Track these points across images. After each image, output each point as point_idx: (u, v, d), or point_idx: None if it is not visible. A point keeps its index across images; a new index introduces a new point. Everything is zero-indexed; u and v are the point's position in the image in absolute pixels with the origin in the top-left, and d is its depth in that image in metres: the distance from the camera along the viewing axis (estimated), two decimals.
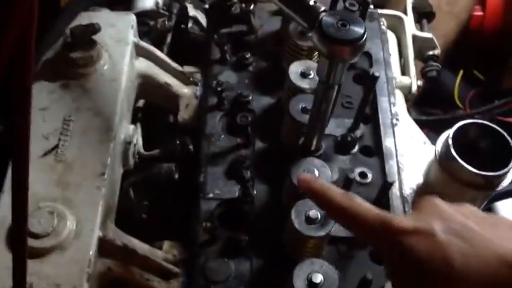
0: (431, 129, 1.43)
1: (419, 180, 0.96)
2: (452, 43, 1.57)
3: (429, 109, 1.71)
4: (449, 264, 0.55)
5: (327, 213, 0.69)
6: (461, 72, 1.72)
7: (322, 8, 0.73)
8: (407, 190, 0.94)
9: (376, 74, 0.91)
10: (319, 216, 0.79)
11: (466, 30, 1.61)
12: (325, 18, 0.72)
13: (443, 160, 0.89)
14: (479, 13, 1.64)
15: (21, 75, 0.45)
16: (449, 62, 1.63)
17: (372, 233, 0.61)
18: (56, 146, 0.81)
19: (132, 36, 0.95)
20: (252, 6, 1.07)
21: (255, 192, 0.90)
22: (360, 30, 0.72)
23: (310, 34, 0.74)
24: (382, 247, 0.61)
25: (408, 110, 1.56)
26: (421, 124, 1.39)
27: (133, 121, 1.01)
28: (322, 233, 0.79)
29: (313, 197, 0.69)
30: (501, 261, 0.55)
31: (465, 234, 0.57)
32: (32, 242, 0.72)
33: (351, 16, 0.73)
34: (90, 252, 0.73)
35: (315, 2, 0.73)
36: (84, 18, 0.92)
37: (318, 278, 0.75)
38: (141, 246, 0.80)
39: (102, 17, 0.95)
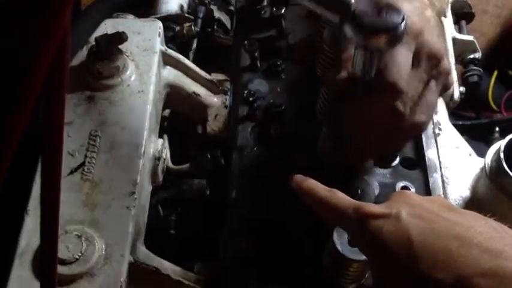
0: (467, 133, 1.37)
1: (466, 194, 0.90)
2: (491, 44, 1.51)
3: (462, 112, 1.64)
4: (410, 241, 0.60)
5: (312, 207, 0.74)
6: (495, 73, 1.66)
7: None
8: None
9: None
10: None
11: (506, 30, 1.55)
12: (359, 6, 0.67)
13: (494, 175, 0.83)
14: None
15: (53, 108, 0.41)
16: (483, 62, 1.57)
17: (348, 220, 0.67)
18: (83, 164, 0.76)
19: (159, 45, 0.90)
20: (283, 10, 1.01)
21: (292, 210, 0.85)
22: (398, 16, 0.67)
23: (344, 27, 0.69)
24: (356, 233, 0.67)
25: None
26: (458, 129, 1.33)
27: (160, 132, 0.96)
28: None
29: (301, 193, 0.75)
30: (460, 241, 0.58)
31: (428, 216, 0.62)
32: (59, 269, 0.67)
33: (386, 2, 0.68)
34: (121, 279, 0.69)
35: None
36: (108, 26, 0.87)
37: None
38: (173, 270, 0.75)
39: (128, 24, 0.90)
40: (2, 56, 0.38)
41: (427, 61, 0.76)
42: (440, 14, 0.87)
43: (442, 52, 0.77)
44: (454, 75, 1.06)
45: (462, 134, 1.36)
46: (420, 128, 0.80)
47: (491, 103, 1.65)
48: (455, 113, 1.63)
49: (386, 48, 0.69)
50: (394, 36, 0.67)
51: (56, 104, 0.42)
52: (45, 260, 0.56)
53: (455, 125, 1.45)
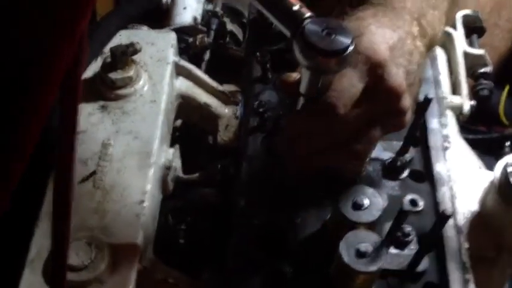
0: (478, 148, 1.36)
1: (474, 208, 0.90)
2: (502, 59, 1.50)
3: (472, 126, 1.64)
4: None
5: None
6: (507, 87, 1.65)
7: (308, 14, 0.68)
8: (462, 220, 0.88)
9: (430, 96, 0.86)
10: (370, 250, 0.74)
11: None
12: (310, 26, 0.67)
13: (503, 189, 0.83)
14: None
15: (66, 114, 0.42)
16: (495, 76, 1.57)
17: None
18: (94, 172, 0.78)
19: (172, 56, 0.92)
20: None
21: (299, 219, 0.85)
22: (347, 39, 0.67)
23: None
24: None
25: None
26: (468, 144, 1.33)
27: (172, 142, 0.98)
28: (373, 268, 0.74)
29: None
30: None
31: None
32: (68, 275, 0.68)
33: (338, 24, 0.68)
34: (130, 287, 0.70)
35: (300, 7, 0.68)
36: (123, 37, 0.89)
37: None
38: (182, 280, 0.76)
39: (142, 35, 0.91)
40: (18, 54, 0.38)
41: (382, 96, 0.74)
42: (433, 43, 0.85)
43: (400, 89, 0.74)
44: (465, 89, 1.06)
45: (473, 148, 1.36)
46: (355, 157, 0.80)
47: (503, 118, 1.64)
48: (467, 127, 1.63)
49: (328, 70, 0.69)
50: (338, 59, 0.67)
51: (70, 110, 0.43)
52: (56, 267, 0.57)
53: (466, 139, 1.46)
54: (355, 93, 0.72)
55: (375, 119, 0.76)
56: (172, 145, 0.96)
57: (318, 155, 0.79)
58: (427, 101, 0.86)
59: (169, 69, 0.89)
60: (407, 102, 0.77)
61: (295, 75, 0.77)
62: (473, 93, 1.12)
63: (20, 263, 0.71)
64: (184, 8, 1.19)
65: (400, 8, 0.80)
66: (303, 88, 0.73)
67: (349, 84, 0.72)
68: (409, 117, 0.79)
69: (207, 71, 1.07)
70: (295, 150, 0.79)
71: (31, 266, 0.70)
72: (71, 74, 0.40)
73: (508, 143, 1.31)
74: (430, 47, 0.84)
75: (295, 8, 0.67)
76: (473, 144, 1.41)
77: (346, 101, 0.72)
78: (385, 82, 0.73)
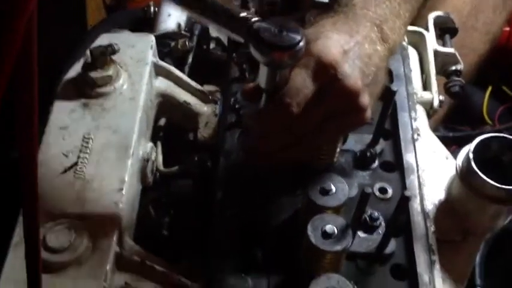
0: (460, 146, 1.40)
1: (441, 195, 0.94)
2: (481, 60, 1.55)
3: (458, 126, 1.68)
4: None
5: None
6: (489, 88, 1.70)
7: (255, 18, 0.73)
8: (429, 205, 0.92)
9: (394, 88, 0.91)
10: (336, 231, 0.78)
11: (495, 46, 1.59)
12: (261, 25, 0.72)
13: (464, 175, 0.87)
14: (507, 29, 1.62)
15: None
16: (478, 78, 1.61)
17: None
18: (75, 164, 0.83)
19: (151, 57, 0.97)
20: None
21: (273, 208, 0.90)
22: (297, 34, 0.72)
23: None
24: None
25: (437, 128, 1.54)
26: (449, 141, 1.37)
27: (155, 139, 1.03)
28: (338, 248, 0.78)
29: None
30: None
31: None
32: (49, 257, 0.73)
33: (287, 22, 0.73)
34: (107, 268, 0.74)
35: (247, 13, 0.73)
36: (104, 40, 0.94)
37: None
38: (158, 262, 0.80)
39: (122, 38, 0.97)
40: None
41: (338, 95, 0.78)
42: (395, 49, 0.88)
43: (355, 87, 0.78)
44: (434, 85, 1.11)
45: (454, 145, 1.41)
46: (318, 153, 0.87)
47: (486, 118, 1.69)
48: (452, 127, 1.67)
49: (283, 64, 0.73)
50: (291, 53, 0.72)
51: (26, 89, 0.46)
52: (29, 247, 0.61)
53: (448, 137, 1.50)
54: (307, 93, 0.77)
55: (333, 116, 0.81)
56: (155, 143, 1.01)
57: (281, 151, 0.84)
58: (391, 93, 0.91)
59: (148, 69, 0.94)
60: (365, 100, 0.81)
61: (252, 85, 0.83)
62: (445, 90, 1.17)
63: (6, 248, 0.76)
64: (169, 15, 1.25)
65: (361, 15, 0.85)
66: (262, 83, 0.78)
67: (302, 84, 0.77)
68: (368, 114, 0.83)
69: (191, 74, 1.13)
70: (258, 147, 0.84)
71: (15, 249, 0.75)
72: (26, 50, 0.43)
73: None
74: (392, 52, 0.88)
75: (242, 14, 0.73)
76: (455, 142, 1.46)
77: (300, 100, 0.76)
78: (339, 81, 0.77)
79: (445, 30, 1.23)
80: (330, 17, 0.85)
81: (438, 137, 1.08)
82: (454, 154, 1.02)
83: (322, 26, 0.82)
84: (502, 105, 1.67)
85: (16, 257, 0.74)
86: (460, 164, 0.88)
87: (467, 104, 1.70)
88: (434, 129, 1.47)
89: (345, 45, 0.79)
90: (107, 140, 0.85)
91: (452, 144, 1.41)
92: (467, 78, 1.39)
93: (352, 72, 0.78)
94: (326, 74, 0.77)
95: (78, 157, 0.83)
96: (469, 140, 1.46)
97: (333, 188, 0.84)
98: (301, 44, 0.72)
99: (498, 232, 1.21)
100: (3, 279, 0.72)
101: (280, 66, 0.74)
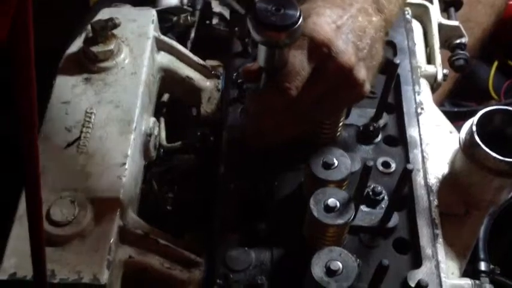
0: (464, 119, 1.40)
1: (445, 169, 0.93)
2: (486, 34, 1.53)
3: (464, 102, 1.68)
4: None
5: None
6: (495, 63, 1.69)
7: None
8: (432, 179, 0.92)
9: (396, 61, 0.90)
10: (338, 205, 0.79)
11: (500, 19, 1.57)
12: (259, 4, 0.71)
13: (467, 148, 0.87)
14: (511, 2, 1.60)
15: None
16: (483, 53, 1.60)
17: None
18: (78, 138, 0.83)
19: (152, 31, 0.96)
20: None
21: (276, 183, 0.90)
22: (294, 13, 0.71)
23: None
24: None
25: (442, 103, 1.53)
26: (454, 116, 1.36)
27: (158, 115, 1.03)
28: (340, 221, 0.78)
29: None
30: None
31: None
32: (53, 230, 0.74)
33: (283, 0, 0.72)
34: (111, 240, 0.75)
35: None
36: (105, 14, 0.94)
37: (336, 266, 0.74)
38: (162, 235, 0.81)
39: (124, 12, 0.96)
40: None
41: (333, 71, 0.78)
42: (392, 19, 0.88)
43: (350, 63, 0.78)
44: (438, 59, 1.10)
45: (459, 119, 1.40)
46: (320, 127, 0.88)
47: (492, 93, 1.68)
48: (458, 103, 1.66)
49: (280, 43, 0.73)
50: (289, 33, 0.71)
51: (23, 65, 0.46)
52: (32, 221, 0.61)
53: (454, 112, 1.49)
54: (305, 75, 0.78)
55: (330, 92, 0.81)
56: (158, 119, 1.01)
57: (281, 128, 0.85)
58: (394, 66, 0.91)
59: (149, 44, 0.94)
60: (361, 74, 0.81)
61: (253, 65, 0.83)
62: (450, 64, 1.16)
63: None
64: None
65: None
66: (261, 62, 0.78)
67: (300, 66, 0.77)
68: (366, 88, 0.83)
69: (194, 49, 1.12)
70: (260, 125, 0.85)
71: (19, 220, 0.75)
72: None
73: None
74: (389, 23, 0.88)
75: None
76: (460, 117, 1.45)
77: (297, 83, 0.77)
78: (332, 59, 0.78)
79: (450, 3, 1.22)
80: None
81: (443, 112, 1.07)
82: (459, 129, 1.03)
83: (314, 1, 0.82)
84: (507, 80, 1.66)
85: (21, 227, 0.74)
86: (463, 137, 0.88)
87: (473, 79, 1.69)
88: (440, 104, 1.47)
89: (338, 20, 0.79)
90: (109, 114, 0.85)
91: (458, 119, 1.40)
92: (472, 52, 1.38)
93: (345, 48, 0.78)
94: (320, 53, 0.78)
95: (81, 132, 0.83)
96: (474, 115, 1.46)
97: (335, 162, 0.84)
98: (299, 22, 0.72)
99: (503, 207, 1.22)
100: (8, 251, 0.73)
101: (277, 46, 0.74)
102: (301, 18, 0.73)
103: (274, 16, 0.71)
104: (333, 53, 0.77)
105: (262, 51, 0.77)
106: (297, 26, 0.72)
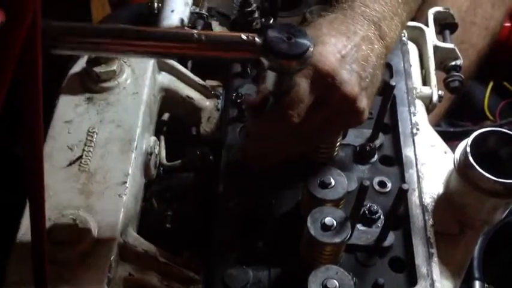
0: (461, 141, 1.42)
1: (440, 189, 0.95)
2: (481, 55, 1.56)
3: (460, 122, 1.70)
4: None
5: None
6: (491, 84, 1.71)
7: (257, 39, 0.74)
8: (428, 199, 0.94)
9: (392, 83, 0.92)
10: (335, 224, 0.80)
11: (495, 41, 1.60)
12: (271, 32, 0.74)
13: (461, 168, 0.89)
14: (508, 24, 1.63)
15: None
16: (479, 74, 1.62)
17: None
18: (80, 157, 0.84)
19: None
20: (271, 21, 1.09)
21: (273, 201, 0.91)
22: (305, 42, 0.73)
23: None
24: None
25: (439, 123, 1.55)
26: (450, 136, 1.38)
27: (158, 134, 1.04)
28: (337, 240, 0.79)
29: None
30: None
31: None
32: (54, 248, 0.75)
33: (297, 28, 0.75)
34: (111, 258, 0.76)
35: (246, 37, 0.75)
36: None
37: (333, 284, 0.75)
38: (161, 253, 0.82)
39: None
40: None
41: (336, 101, 0.81)
42: (391, 45, 0.91)
43: (353, 93, 0.80)
44: (433, 80, 1.12)
45: (455, 140, 1.42)
46: (318, 150, 0.91)
47: (488, 113, 1.70)
48: (454, 122, 1.68)
49: (291, 71, 0.76)
50: (299, 61, 0.74)
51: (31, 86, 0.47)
52: (35, 239, 0.63)
53: (449, 132, 1.51)
54: (308, 103, 0.80)
55: (331, 119, 0.84)
56: (159, 137, 1.03)
57: (282, 150, 0.87)
58: (390, 88, 0.93)
59: (151, 64, 0.96)
60: (362, 103, 0.83)
61: (256, 98, 0.87)
62: (445, 85, 1.18)
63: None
64: (172, 11, 1.26)
65: (360, 13, 0.87)
66: (270, 86, 0.80)
67: (303, 94, 0.79)
68: (366, 115, 0.86)
69: (195, 70, 1.14)
70: (261, 148, 0.88)
71: (20, 242, 0.76)
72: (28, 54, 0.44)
73: None
74: (389, 49, 0.90)
75: (243, 37, 0.74)
76: (456, 136, 1.47)
77: (300, 110, 0.80)
78: (336, 89, 0.80)
79: (445, 25, 1.24)
80: (327, 16, 0.87)
81: (440, 131, 1.09)
82: (455, 149, 1.04)
83: (319, 29, 0.84)
84: (503, 101, 1.68)
85: (21, 249, 0.76)
86: (458, 158, 0.90)
87: (469, 99, 1.71)
88: (436, 124, 1.49)
89: (342, 50, 0.81)
90: (111, 133, 0.87)
91: (453, 139, 1.42)
92: (467, 74, 1.41)
93: (349, 78, 0.81)
94: (324, 82, 0.80)
95: (83, 150, 0.85)
96: (469, 135, 1.48)
97: (332, 182, 0.86)
98: (310, 50, 0.74)
99: (497, 226, 1.23)
100: (11, 269, 0.74)
101: (288, 73, 0.76)
102: (311, 45, 0.75)
103: (286, 45, 0.74)
104: (337, 83, 0.79)
105: (271, 77, 0.79)
106: (307, 54, 0.74)
